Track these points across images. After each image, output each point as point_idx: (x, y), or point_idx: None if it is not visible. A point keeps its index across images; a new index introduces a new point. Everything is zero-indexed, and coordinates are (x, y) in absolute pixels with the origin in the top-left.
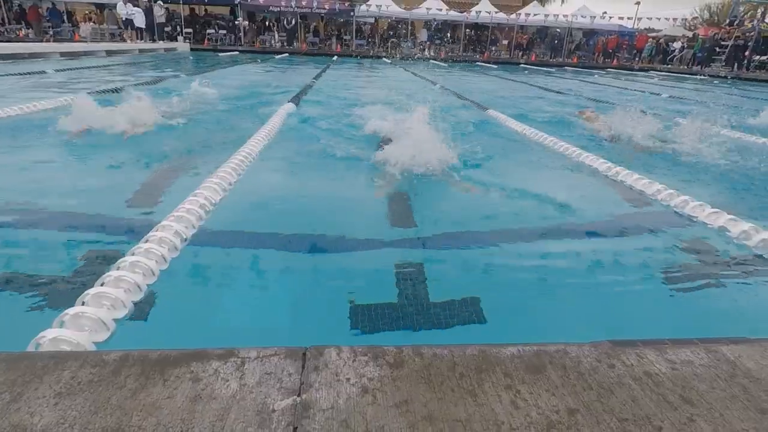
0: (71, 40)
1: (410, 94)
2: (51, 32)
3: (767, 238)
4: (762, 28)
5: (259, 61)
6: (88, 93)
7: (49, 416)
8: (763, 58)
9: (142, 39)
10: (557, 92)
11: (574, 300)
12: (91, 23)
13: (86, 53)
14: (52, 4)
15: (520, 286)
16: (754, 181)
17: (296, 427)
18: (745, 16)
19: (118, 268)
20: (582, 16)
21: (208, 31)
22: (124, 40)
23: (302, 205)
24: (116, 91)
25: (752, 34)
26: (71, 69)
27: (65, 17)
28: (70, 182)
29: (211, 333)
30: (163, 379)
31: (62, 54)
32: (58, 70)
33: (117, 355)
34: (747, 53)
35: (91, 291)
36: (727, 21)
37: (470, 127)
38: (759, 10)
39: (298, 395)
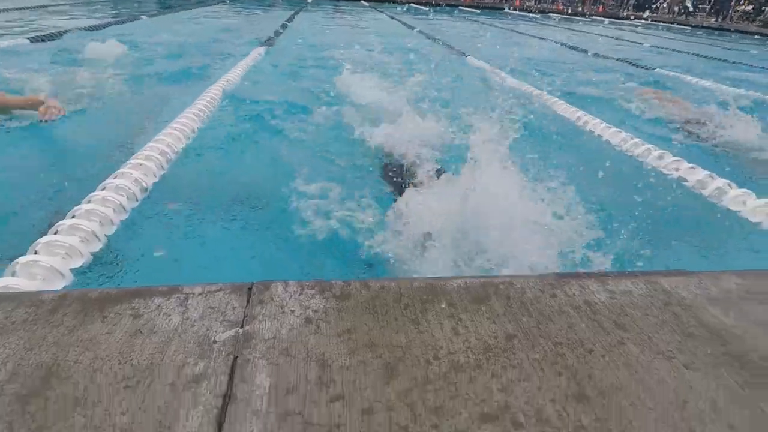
0: None
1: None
2: None
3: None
4: None
5: (228, 1)
6: (26, 37)
7: None
8: (748, 8)
9: None
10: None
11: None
12: None
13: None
14: None
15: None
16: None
17: (236, 356)
18: None
19: (72, 216)
20: None
21: None
22: None
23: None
24: (59, 35)
25: None
26: (17, 8)
27: None
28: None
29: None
30: (102, 316)
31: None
32: (2, 10)
33: (55, 295)
34: (732, 2)
35: (43, 239)
36: None
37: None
38: None
39: (241, 327)
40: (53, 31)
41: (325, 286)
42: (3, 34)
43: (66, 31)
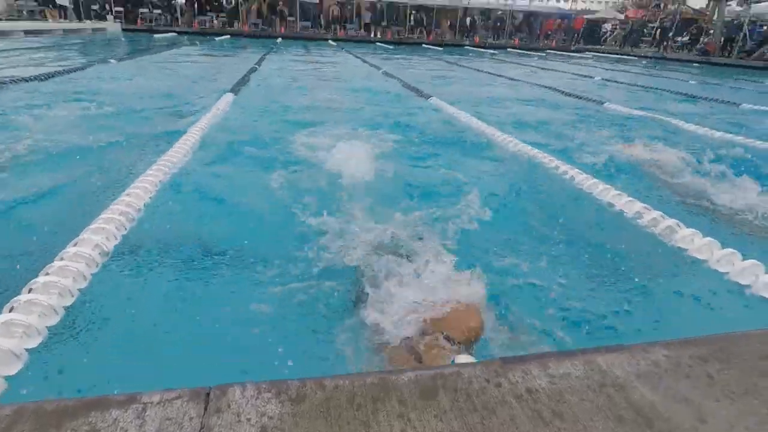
0: None
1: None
2: None
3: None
4: (683, 10)
5: (198, 43)
6: None
7: None
8: (685, 39)
9: (65, 18)
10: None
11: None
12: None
13: (1, 33)
14: None
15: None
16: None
17: None
18: None
19: (29, 290)
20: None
21: (141, 10)
22: (46, 19)
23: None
24: (26, 80)
25: (677, 16)
26: None
27: None
28: None
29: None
30: None
31: None
32: None
33: (10, 410)
34: (671, 35)
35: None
36: (654, 3)
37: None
38: None
39: None
40: (18, 77)
41: (281, 388)
42: None
43: (30, 77)
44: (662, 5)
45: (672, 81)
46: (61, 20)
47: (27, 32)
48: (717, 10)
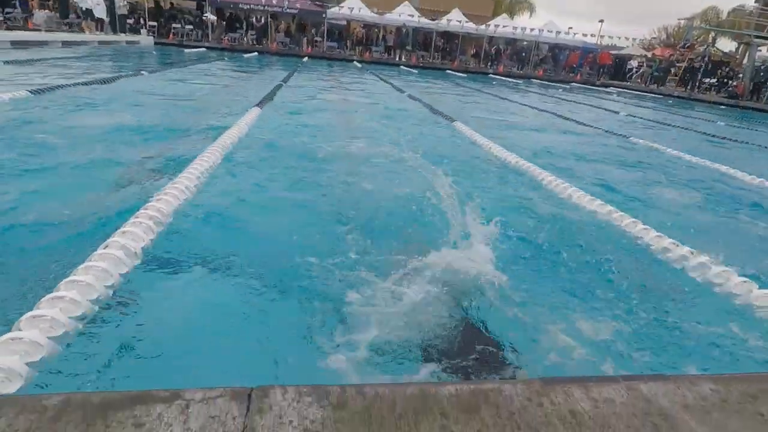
0: (24, 28)
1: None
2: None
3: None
4: (711, 52)
5: (227, 59)
6: (28, 90)
7: None
8: (713, 80)
9: (102, 30)
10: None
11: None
12: (46, 11)
13: (40, 43)
14: None
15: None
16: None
17: None
18: (697, 40)
19: (50, 300)
20: (549, 31)
21: (174, 25)
22: (83, 31)
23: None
24: (61, 87)
25: (705, 57)
26: (21, 61)
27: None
28: (14, 186)
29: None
30: (105, 425)
31: (13, 43)
32: (7, 62)
33: (57, 400)
34: (699, 75)
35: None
36: (681, 43)
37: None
38: (710, 35)
39: None
40: (54, 84)
41: (321, 393)
42: (6, 85)
43: (68, 85)
44: (688, 45)
45: (700, 121)
46: (98, 32)
47: (65, 43)
48: (747, 54)
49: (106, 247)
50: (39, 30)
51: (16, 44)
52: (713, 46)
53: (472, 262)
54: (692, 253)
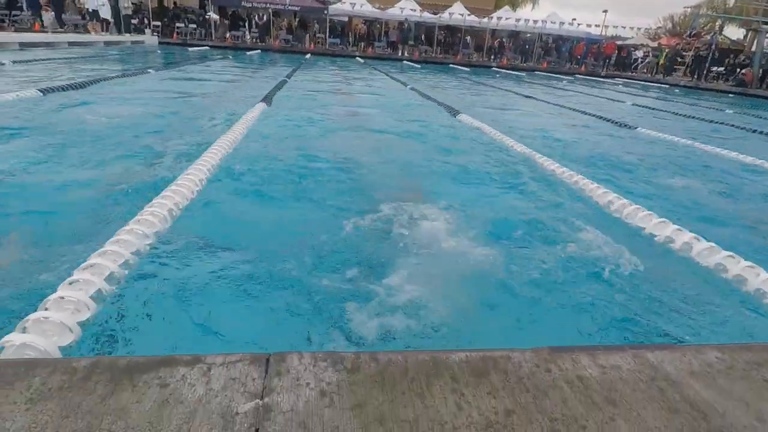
0: (31, 29)
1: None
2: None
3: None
4: (719, 40)
5: (230, 57)
6: (39, 90)
7: (21, 421)
8: (720, 69)
9: (107, 31)
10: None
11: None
12: (53, 13)
13: (47, 44)
14: None
15: (477, 295)
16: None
17: (258, 429)
18: (704, 28)
19: (81, 270)
20: (552, 22)
21: (177, 24)
22: (89, 32)
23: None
24: (70, 86)
25: (712, 45)
26: (30, 61)
27: (24, 5)
28: (32, 182)
29: (177, 339)
30: (132, 385)
31: (21, 44)
32: (15, 62)
33: (87, 362)
34: (706, 64)
35: (53, 296)
36: (688, 32)
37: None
38: (717, 23)
39: (261, 399)
40: (63, 84)
41: (336, 359)
42: (17, 84)
43: (76, 84)
44: (698, 34)
45: (708, 110)
46: (103, 33)
47: (71, 43)
48: (756, 41)
49: (121, 233)
50: (46, 31)
51: (24, 45)
52: (721, 33)
53: (478, 248)
54: (698, 239)
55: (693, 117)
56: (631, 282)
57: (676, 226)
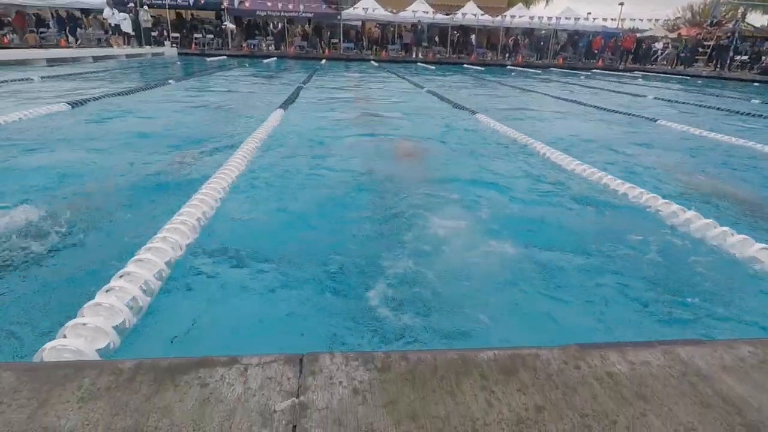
0: (57, 45)
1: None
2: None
3: (739, 242)
4: (742, 27)
5: (247, 65)
6: (67, 103)
7: (74, 419)
8: (744, 57)
9: (129, 44)
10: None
11: (551, 305)
12: (79, 29)
13: (73, 59)
14: (55, 12)
15: (501, 293)
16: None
17: (295, 426)
18: (725, 16)
19: (119, 277)
20: (566, 18)
21: (195, 35)
22: (111, 46)
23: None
24: (95, 99)
25: (735, 34)
26: (57, 76)
27: (51, 23)
28: (65, 192)
29: (210, 342)
30: (174, 385)
31: (48, 60)
32: (44, 77)
33: (131, 364)
34: (729, 53)
35: (90, 302)
36: (709, 21)
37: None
38: (739, 11)
39: (297, 397)
40: (89, 97)
41: (367, 358)
42: (47, 99)
43: (103, 96)
44: (716, 22)
45: (732, 100)
46: (125, 46)
47: (95, 58)
48: None
49: (154, 242)
50: (71, 47)
51: (51, 61)
52: (744, 21)
53: (509, 247)
54: (731, 233)
55: (718, 108)
56: (656, 275)
57: (708, 219)
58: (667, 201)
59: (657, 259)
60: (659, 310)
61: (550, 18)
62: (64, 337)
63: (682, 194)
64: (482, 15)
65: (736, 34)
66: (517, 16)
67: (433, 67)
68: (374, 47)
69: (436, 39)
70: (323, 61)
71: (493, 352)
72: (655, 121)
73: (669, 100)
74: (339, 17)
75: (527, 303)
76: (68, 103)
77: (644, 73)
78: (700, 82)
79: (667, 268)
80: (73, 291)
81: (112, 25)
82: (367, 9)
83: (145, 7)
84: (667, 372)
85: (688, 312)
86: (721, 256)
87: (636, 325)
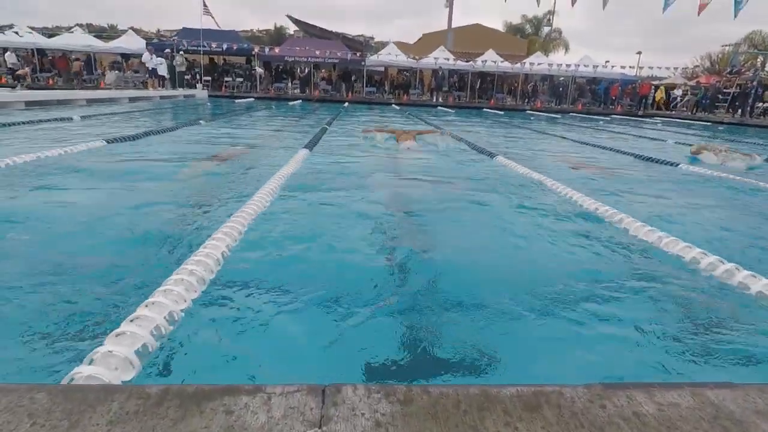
0: (97, 87)
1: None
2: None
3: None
4: (762, 76)
5: (274, 107)
6: (104, 140)
7: None
8: (767, 104)
9: (164, 86)
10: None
11: (572, 343)
12: (116, 71)
13: (111, 100)
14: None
15: (521, 330)
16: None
17: None
18: (744, 65)
19: (145, 306)
20: (585, 66)
21: (226, 78)
22: (147, 88)
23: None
24: (131, 137)
25: (753, 82)
26: (96, 115)
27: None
28: (98, 222)
29: (232, 370)
30: (199, 411)
31: (88, 101)
32: (83, 117)
33: (158, 389)
34: (750, 100)
35: (117, 330)
36: (728, 69)
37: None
38: (759, 59)
39: (319, 427)
40: (125, 135)
41: (389, 391)
42: (84, 137)
43: (137, 135)
44: (736, 70)
45: (755, 146)
46: (159, 89)
47: (131, 99)
48: None
49: (179, 273)
50: (109, 88)
51: (91, 101)
52: (763, 70)
53: (528, 283)
54: (755, 276)
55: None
56: (679, 317)
57: (732, 264)
58: (692, 246)
59: (676, 299)
60: (682, 349)
61: (568, 65)
62: (90, 363)
63: (707, 239)
64: (502, 62)
65: (756, 83)
66: (536, 64)
67: (453, 111)
68: (396, 91)
69: (456, 84)
70: (346, 104)
71: (516, 389)
72: (677, 166)
73: (689, 145)
74: (363, 63)
75: (547, 339)
76: (105, 140)
77: (664, 119)
78: (721, 128)
79: (685, 308)
80: (109, 312)
81: (150, 68)
82: (390, 55)
83: (181, 53)
84: (697, 415)
85: (714, 354)
86: (745, 300)
87: (656, 365)
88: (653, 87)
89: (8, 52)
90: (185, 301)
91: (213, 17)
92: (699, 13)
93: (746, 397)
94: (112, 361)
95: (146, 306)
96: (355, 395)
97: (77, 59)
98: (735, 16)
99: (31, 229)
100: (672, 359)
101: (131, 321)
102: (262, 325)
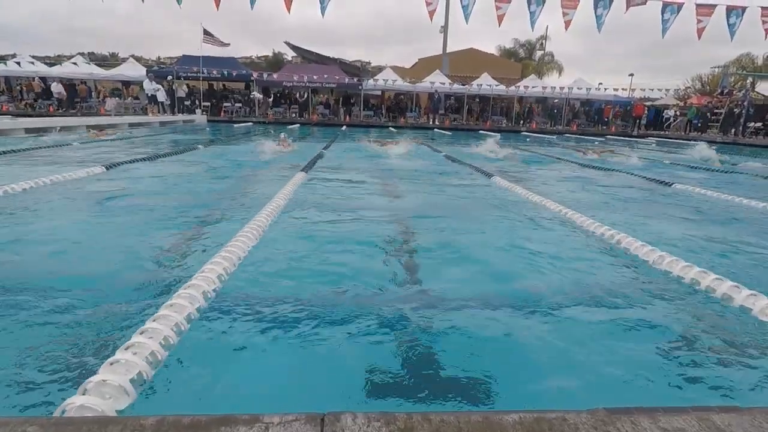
0: (97, 113)
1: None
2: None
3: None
4: (752, 96)
5: (272, 131)
6: (103, 165)
7: None
8: (758, 124)
9: (164, 112)
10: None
11: (575, 367)
12: (116, 99)
13: (111, 126)
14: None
15: (521, 354)
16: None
17: None
18: (734, 86)
19: (140, 334)
20: (578, 88)
21: (225, 104)
22: (147, 114)
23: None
24: (130, 162)
25: (744, 102)
26: (95, 141)
27: (92, 94)
28: (92, 248)
29: (228, 399)
30: None
31: (88, 127)
32: (83, 143)
33: (154, 420)
34: (742, 120)
35: (111, 359)
36: (719, 90)
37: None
38: (748, 80)
39: None
40: (124, 160)
41: (389, 419)
42: (83, 163)
43: (136, 159)
44: (726, 91)
45: (747, 164)
46: (159, 114)
47: (131, 125)
48: None
49: (175, 298)
50: (109, 114)
51: (91, 128)
52: (753, 90)
53: (530, 311)
54: (755, 295)
55: (732, 172)
56: (681, 339)
57: (732, 282)
58: (702, 270)
59: (680, 321)
60: (687, 372)
61: (562, 88)
62: (84, 394)
63: (711, 257)
64: (497, 85)
65: (747, 103)
66: (530, 87)
67: (449, 133)
68: (391, 114)
69: (452, 107)
70: (344, 127)
71: (518, 415)
72: (671, 185)
73: (684, 165)
74: (361, 87)
75: (549, 363)
76: (104, 166)
77: (657, 139)
78: (714, 148)
79: (684, 327)
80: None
81: (149, 95)
82: (387, 80)
83: (181, 79)
84: None
85: (718, 377)
86: (746, 318)
87: (658, 389)
88: (646, 108)
89: (54, 83)
90: (181, 326)
91: (216, 38)
92: (699, 37)
93: (753, 421)
94: (106, 390)
95: (141, 333)
96: (354, 423)
97: (83, 83)
98: (732, 38)
99: (25, 255)
100: (677, 382)
101: (126, 349)
102: (260, 351)
